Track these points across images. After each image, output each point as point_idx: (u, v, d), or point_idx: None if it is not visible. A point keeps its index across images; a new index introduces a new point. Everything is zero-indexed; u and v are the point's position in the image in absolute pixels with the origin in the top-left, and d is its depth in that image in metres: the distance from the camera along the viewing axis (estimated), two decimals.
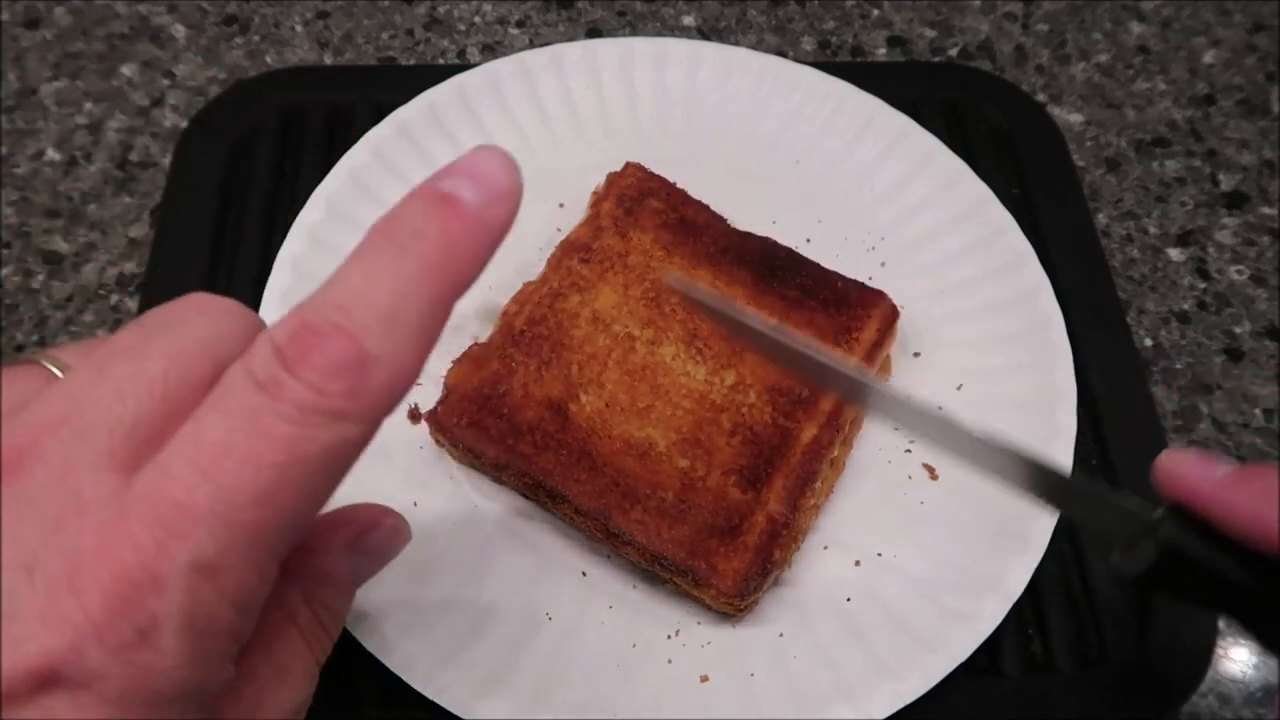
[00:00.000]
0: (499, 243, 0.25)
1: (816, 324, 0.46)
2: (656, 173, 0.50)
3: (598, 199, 0.50)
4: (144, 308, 0.50)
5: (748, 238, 0.49)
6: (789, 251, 0.48)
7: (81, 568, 0.21)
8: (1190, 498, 0.30)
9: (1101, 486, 0.35)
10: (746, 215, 0.50)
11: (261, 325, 0.26)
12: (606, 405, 0.43)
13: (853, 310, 0.47)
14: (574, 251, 0.48)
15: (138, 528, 0.22)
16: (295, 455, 0.22)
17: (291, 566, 0.29)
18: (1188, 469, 0.31)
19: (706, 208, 0.50)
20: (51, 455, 0.23)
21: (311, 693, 0.29)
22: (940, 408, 0.38)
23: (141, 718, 0.22)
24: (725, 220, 0.50)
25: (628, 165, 0.51)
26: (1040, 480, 0.34)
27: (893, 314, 0.47)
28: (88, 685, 0.21)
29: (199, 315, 0.26)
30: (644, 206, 0.49)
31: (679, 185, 0.50)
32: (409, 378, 0.23)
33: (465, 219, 0.24)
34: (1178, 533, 0.31)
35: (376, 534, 0.32)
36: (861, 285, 0.48)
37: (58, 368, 0.27)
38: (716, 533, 0.41)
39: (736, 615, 0.42)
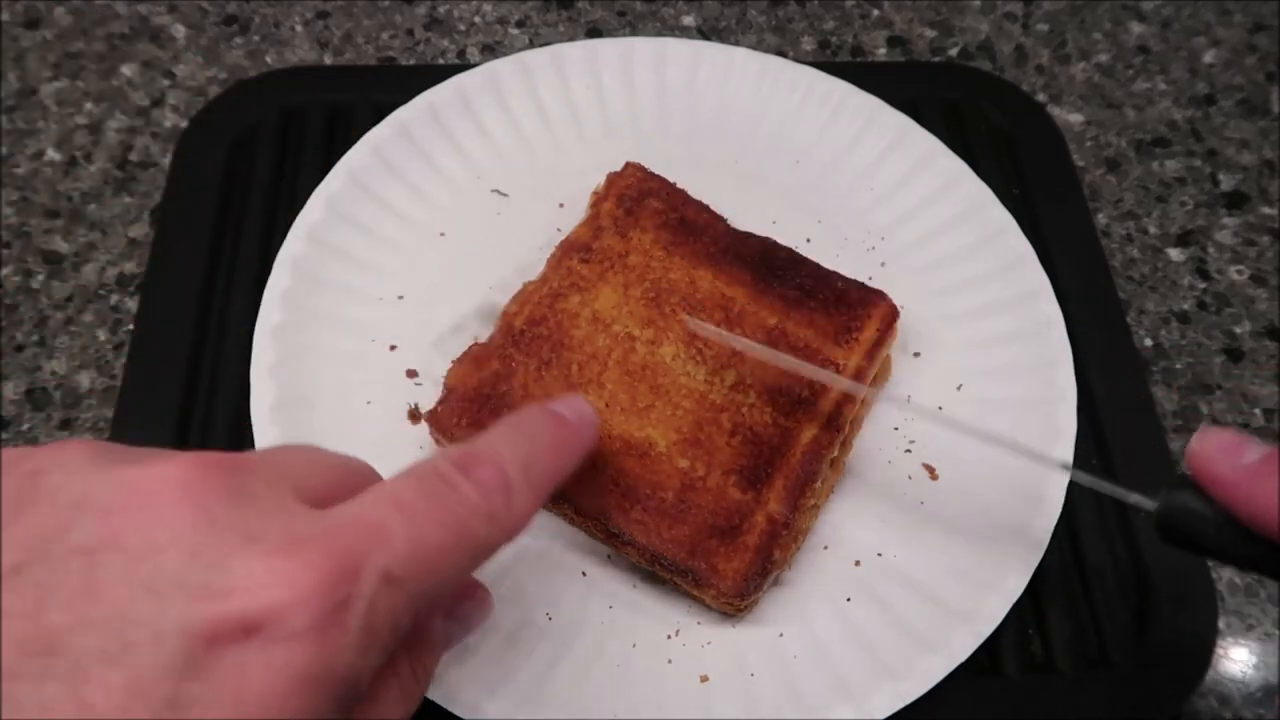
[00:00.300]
0: (585, 452, 0.36)
1: (816, 324, 0.46)
2: (656, 173, 0.50)
3: (598, 199, 0.50)
4: (144, 308, 0.50)
5: (748, 238, 0.49)
6: (789, 251, 0.48)
7: (300, 546, 0.25)
8: (1214, 484, 0.32)
9: (1102, 481, 0.37)
10: (746, 215, 0.50)
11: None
12: (606, 405, 0.43)
13: (853, 310, 0.47)
14: (574, 251, 0.48)
15: (346, 532, 0.26)
16: (462, 532, 0.29)
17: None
18: (1217, 453, 0.33)
19: (706, 208, 0.50)
20: (258, 479, 0.27)
21: None
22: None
23: (310, 693, 0.24)
24: (725, 220, 0.50)
25: (628, 165, 0.51)
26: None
27: (893, 314, 0.47)
28: (282, 643, 0.24)
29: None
30: (644, 206, 0.49)
31: (679, 185, 0.50)
32: (529, 516, 0.31)
33: (568, 428, 0.35)
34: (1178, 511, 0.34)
35: (469, 603, 0.36)
36: (861, 285, 0.48)
37: None
38: (716, 533, 0.41)
39: (736, 615, 0.42)
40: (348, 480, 0.30)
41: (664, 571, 0.42)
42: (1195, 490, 0.33)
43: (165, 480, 0.26)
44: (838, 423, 0.44)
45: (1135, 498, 0.35)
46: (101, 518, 0.25)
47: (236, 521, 0.25)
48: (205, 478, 0.26)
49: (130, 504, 0.25)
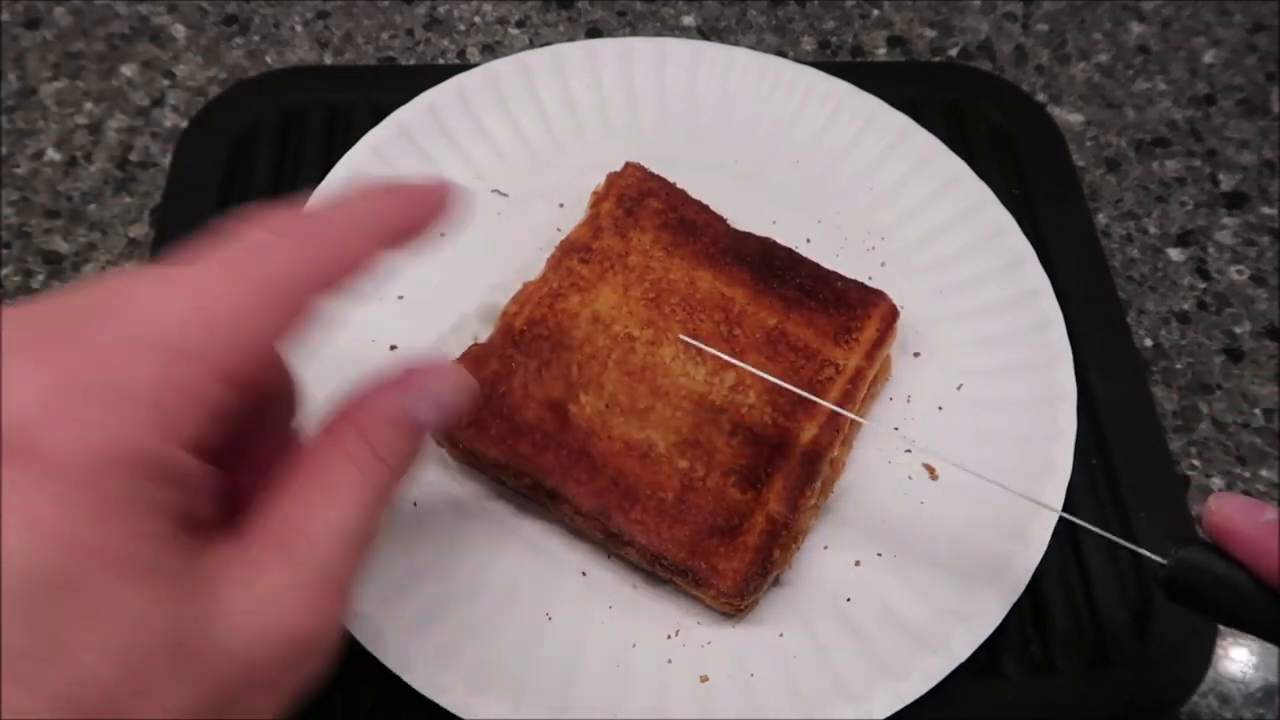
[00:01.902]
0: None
1: (816, 324, 0.46)
2: (656, 173, 0.50)
3: (598, 199, 0.50)
4: None
5: (748, 238, 0.49)
6: (789, 251, 0.48)
7: (50, 348, 0.24)
8: (1235, 540, 0.34)
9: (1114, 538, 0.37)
10: (746, 215, 0.50)
11: None
12: (606, 406, 0.43)
13: (853, 310, 0.47)
14: (574, 252, 0.48)
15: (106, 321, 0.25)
16: (253, 281, 0.27)
17: (346, 409, 0.30)
18: (1236, 513, 0.34)
19: (706, 208, 0.50)
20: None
21: (372, 527, 0.29)
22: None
23: (89, 480, 0.24)
24: (725, 220, 0.50)
25: (628, 165, 0.51)
26: None
27: (893, 314, 0.47)
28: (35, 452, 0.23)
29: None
30: (644, 207, 0.49)
31: (679, 185, 0.50)
32: (327, 237, 0.29)
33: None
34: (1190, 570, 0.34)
35: (428, 375, 0.32)
36: (861, 285, 0.48)
37: None
38: (716, 533, 0.41)
39: (736, 615, 0.42)
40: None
41: (664, 571, 0.42)
42: (1205, 549, 0.34)
43: None
44: (838, 422, 0.44)
45: (1145, 554, 0.36)
46: None
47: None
48: None
49: None
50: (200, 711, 0.25)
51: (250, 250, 0.27)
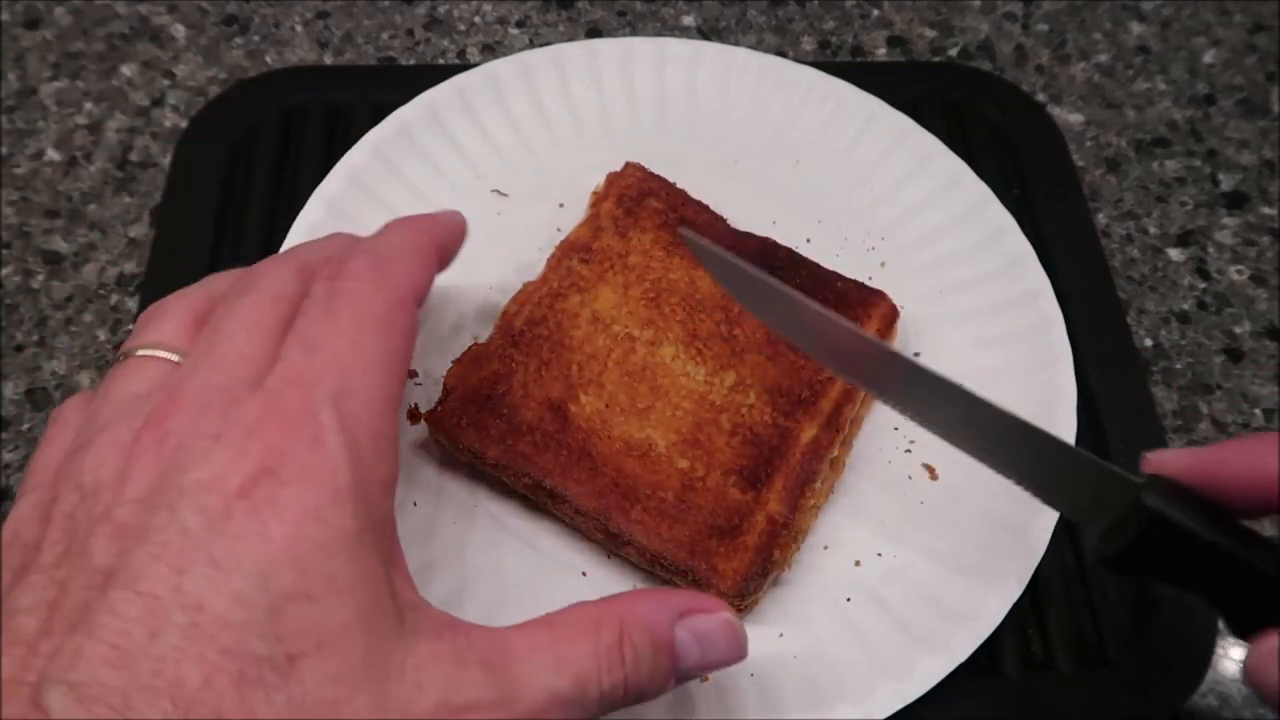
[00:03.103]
0: (449, 227, 0.41)
1: None
2: (656, 173, 0.50)
3: (598, 199, 0.50)
4: (144, 307, 0.50)
5: (748, 238, 0.49)
6: (789, 251, 0.48)
7: (255, 423, 0.29)
8: (1181, 472, 0.32)
9: (1086, 456, 0.35)
10: (746, 215, 0.50)
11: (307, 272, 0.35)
12: (606, 405, 0.43)
13: (853, 310, 0.47)
14: (574, 251, 0.48)
15: (284, 394, 0.29)
16: (360, 319, 0.32)
17: (626, 599, 0.33)
18: (1175, 454, 0.32)
19: (706, 208, 0.50)
20: (196, 394, 0.30)
21: (531, 702, 0.29)
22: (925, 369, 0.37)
23: (329, 516, 0.28)
24: (725, 220, 0.50)
25: (628, 165, 0.51)
26: (1027, 451, 0.35)
27: (893, 314, 0.47)
28: (282, 488, 0.27)
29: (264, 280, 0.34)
30: (644, 206, 0.49)
31: (679, 185, 0.50)
32: (415, 275, 0.36)
33: (423, 218, 0.40)
34: (1163, 501, 0.32)
35: (705, 620, 0.33)
36: (861, 285, 0.48)
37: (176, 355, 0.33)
38: (716, 533, 0.41)
39: (737, 615, 0.42)
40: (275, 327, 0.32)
41: (664, 571, 0.42)
42: (1162, 489, 0.32)
43: (138, 444, 0.29)
44: (838, 423, 0.44)
45: (1120, 472, 0.34)
46: (106, 491, 0.28)
47: (204, 430, 0.29)
48: (163, 427, 0.29)
49: (121, 473, 0.28)
50: None
51: (345, 293, 0.33)
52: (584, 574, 0.43)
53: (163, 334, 0.34)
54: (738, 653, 0.34)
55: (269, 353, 0.31)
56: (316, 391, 0.29)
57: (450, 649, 0.29)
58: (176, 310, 0.35)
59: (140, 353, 0.33)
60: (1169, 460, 0.33)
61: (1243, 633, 0.32)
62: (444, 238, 0.39)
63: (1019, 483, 0.36)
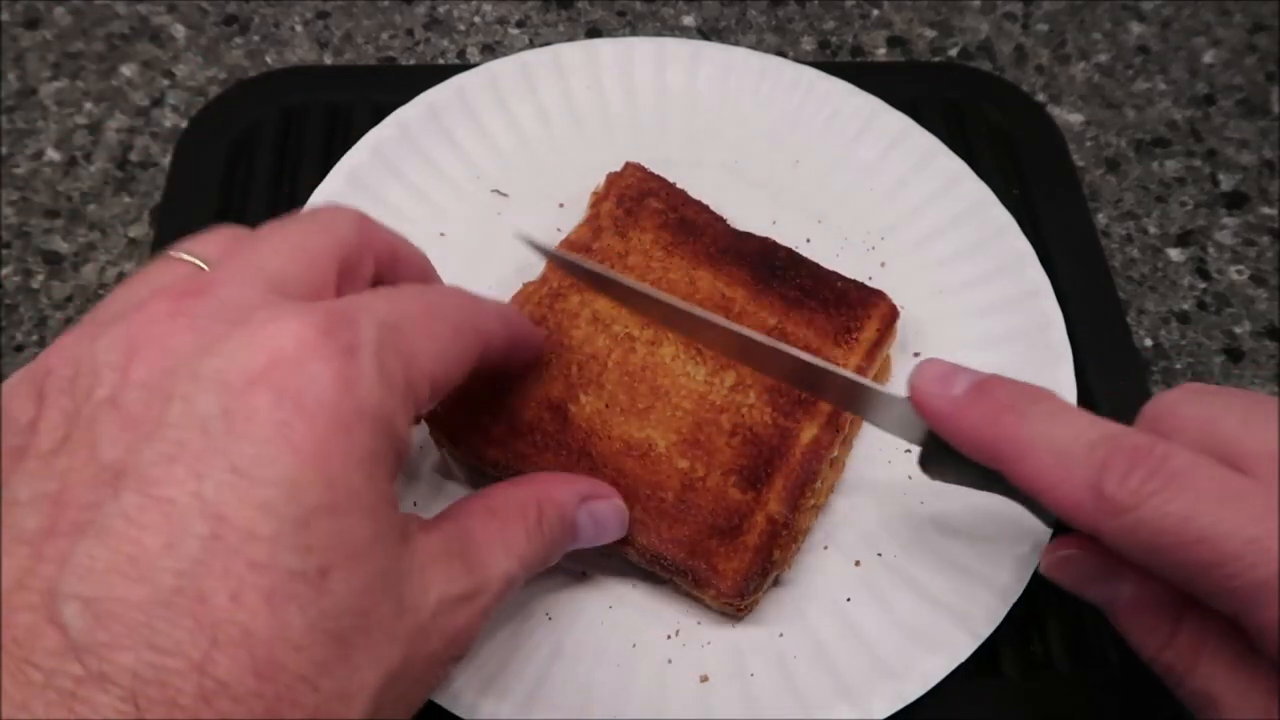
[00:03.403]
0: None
1: (816, 324, 0.46)
2: (656, 173, 0.50)
3: (598, 199, 0.50)
4: None
5: (748, 238, 0.49)
6: (789, 251, 0.48)
7: (293, 313, 0.27)
8: (934, 422, 0.34)
9: (877, 388, 0.37)
10: (746, 215, 0.50)
11: (369, 224, 0.35)
12: (606, 406, 0.43)
13: (853, 310, 0.47)
14: (574, 251, 0.48)
15: (331, 304, 0.28)
16: (431, 304, 0.32)
17: (539, 480, 0.38)
18: (930, 387, 0.34)
19: (706, 208, 0.50)
20: (230, 288, 0.29)
21: (497, 588, 0.33)
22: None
23: (347, 427, 0.26)
24: (725, 220, 0.50)
25: (628, 165, 0.51)
26: (851, 393, 0.38)
27: (893, 314, 0.47)
28: (308, 379, 0.26)
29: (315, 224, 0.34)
30: (644, 206, 0.49)
31: (679, 185, 0.50)
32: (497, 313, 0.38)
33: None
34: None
35: (602, 505, 0.39)
36: (861, 285, 0.48)
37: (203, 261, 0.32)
38: (716, 533, 0.41)
39: (736, 615, 0.42)
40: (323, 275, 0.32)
41: (664, 571, 0.42)
42: None
43: (151, 320, 0.28)
44: (838, 423, 0.44)
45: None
46: (111, 371, 0.27)
47: (225, 316, 0.28)
48: (180, 304, 0.28)
49: (130, 350, 0.27)
50: (392, 674, 0.27)
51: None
52: (584, 574, 0.43)
53: (201, 244, 0.33)
54: (621, 534, 0.40)
55: (311, 279, 0.30)
56: (366, 313, 0.28)
57: (440, 547, 0.31)
58: (223, 232, 0.34)
59: (173, 254, 0.32)
60: (926, 399, 0.35)
61: (1043, 515, 0.36)
62: (513, 340, 0.39)
63: (874, 422, 0.38)
